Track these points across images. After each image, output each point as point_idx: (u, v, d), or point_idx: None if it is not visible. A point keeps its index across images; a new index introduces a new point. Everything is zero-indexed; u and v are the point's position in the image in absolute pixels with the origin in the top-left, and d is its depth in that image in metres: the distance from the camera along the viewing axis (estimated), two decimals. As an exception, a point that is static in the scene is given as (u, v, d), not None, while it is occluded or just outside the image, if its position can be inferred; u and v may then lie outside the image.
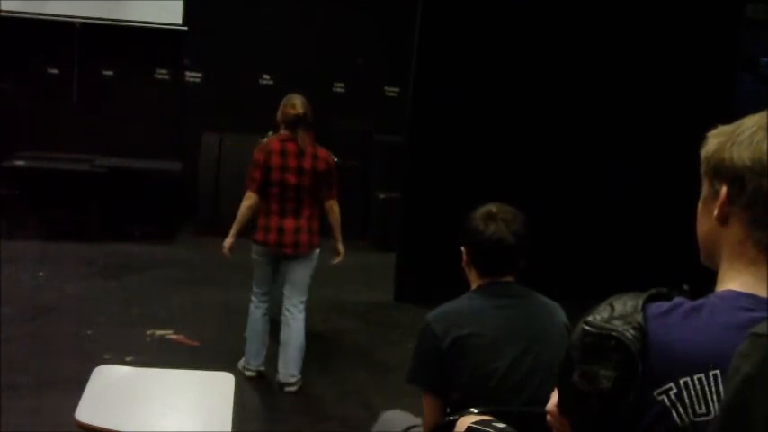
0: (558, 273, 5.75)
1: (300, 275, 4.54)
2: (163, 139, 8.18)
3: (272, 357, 4.64)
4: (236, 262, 4.77)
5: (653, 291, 1.20)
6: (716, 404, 1.08)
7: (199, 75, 8.40)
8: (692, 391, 1.10)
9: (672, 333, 1.13)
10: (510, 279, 2.55)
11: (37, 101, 8.09)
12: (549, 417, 1.29)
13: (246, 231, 4.52)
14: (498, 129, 6.23)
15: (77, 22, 7.88)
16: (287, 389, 4.54)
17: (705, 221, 1.25)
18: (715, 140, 1.21)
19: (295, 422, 4.33)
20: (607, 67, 6.33)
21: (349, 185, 5.11)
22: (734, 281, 1.18)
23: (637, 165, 6.40)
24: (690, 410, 1.10)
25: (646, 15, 6.35)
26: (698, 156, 1.25)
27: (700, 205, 1.26)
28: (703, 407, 1.09)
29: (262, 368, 4.64)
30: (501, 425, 2.02)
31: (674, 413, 1.10)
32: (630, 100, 6.41)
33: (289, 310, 4.55)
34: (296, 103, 4.41)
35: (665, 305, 1.17)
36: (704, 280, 1.27)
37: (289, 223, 4.41)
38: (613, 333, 1.13)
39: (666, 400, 1.11)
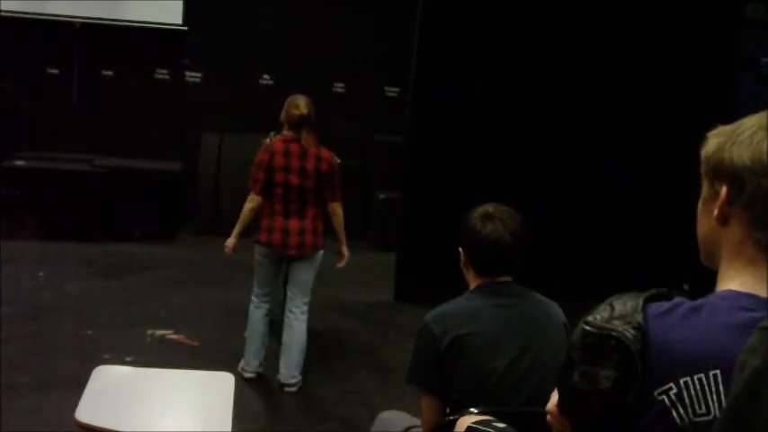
0: (558, 273, 5.75)
1: (304, 276, 4.53)
2: (163, 139, 8.17)
3: (272, 357, 4.64)
4: (237, 262, 4.77)
5: (653, 291, 1.20)
6: (716, 404, 1.08)
7: (199, 75, 8.39)
8: (692, 391, 1.10)
9: (672, 333, 1.13)
10: (508, 279, 2.56)
11: (37, 101, 8.08)
12: (549, 417, 1.29)
13: (247, 232, 4.52)
14: (498, 129, 6.23)
15: (77, 22, 7.88)
16: (287, 389, 4.54)
17: (705, 221, 1.25)
18: (715, 140, 1.22)
19: (295, 422, 4.33)
20: (607, 67, 6.33)
21: (349, 185, 5.10)
22: (734, 281, 1.18)
23: (637, 165, 6.40)
24: (690, 410, 1.10)
25: (646, 15, 6.35)
26: (698, 156, 1.25)
27: (700, 205, 1.26)
28: (703, 407, 1.09)
29: (260, 369, 4.63)
30: (501, 425, 2.02)
31: (674, 413, 1.10)
32: (630, 100, 6.42)
33: (291, 311, 4.54)
34: (300, 104, 4.40)
35: (665, 305, 1.17)
36: (704, 280, 1.27)
37: (293, 224, 4.39)
38: (613, 333, 1.13)
39: (666, 400, 1.11)
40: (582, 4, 6.30)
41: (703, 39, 6.46)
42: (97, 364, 3.07)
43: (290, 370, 4.54)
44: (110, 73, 8.22)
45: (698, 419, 1.09)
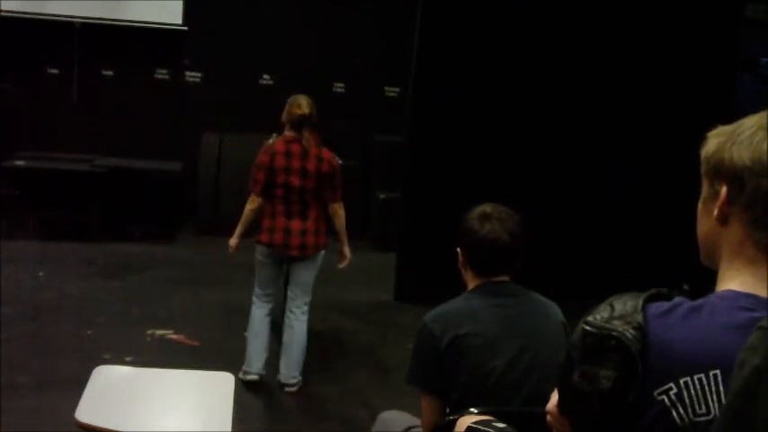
0: (558, 273, 5.75)
1: (305, 277, 4.53)
2: (163, 139, 8.17)
3: (272, 358, 4.64)
4: (237, 262, 4.77)
5: (653, 291, 1.20)
6: (716, 404, 1.08)
7: (199, 75, 8.39)
8: (692, 392, 1.10)
9: (672, 333, 1.13)
10: (506, 279, 2.56)
11: (37, 101, 8.08)
12: (549, 417, 1.29)
13: (248, 232, 4.52)
14: (498, 129, 6.23)
15: (77, 22, 7.88)
16: (287, 389, 4.54)
17: (705, 221, 1.25)
18: (715, 140, 1.22)
19: (295, 422, 4.33)
20: (607, 67, 6.33)
21: (349, 186, 5.09)
22: (734, 281, 1.18)
23: (637, 165, 6.40)
24: (690, 410, 1.10)
25: (646, 16, 6.35)
26: (698, 156, 1.25)
27: (700, 205, 1.26)
28: (703, 407, 1.09)
29: (263, 372, 4.54)
30: (501, 425, 2.02)
31: (674, 413, 1.10)
32: (630, 100, 6.42)
33: (292, 312, 4.54)
34: (302, 103, 4.39)
35: (665, 305, 1.17)
36: (704, 280, 1.27)
37: (295, 225, 4.39)
38: (613, 333, 1.13)
39: (666, 400, 1.11)
40: (582, 5, 6.30)
41: (703, 39, 6.46)
42: (97, 364, 3.07)
43: (290, 370, 4.53)
44: (110, 73, 8.22)
45: (698, 419, 1.09)
